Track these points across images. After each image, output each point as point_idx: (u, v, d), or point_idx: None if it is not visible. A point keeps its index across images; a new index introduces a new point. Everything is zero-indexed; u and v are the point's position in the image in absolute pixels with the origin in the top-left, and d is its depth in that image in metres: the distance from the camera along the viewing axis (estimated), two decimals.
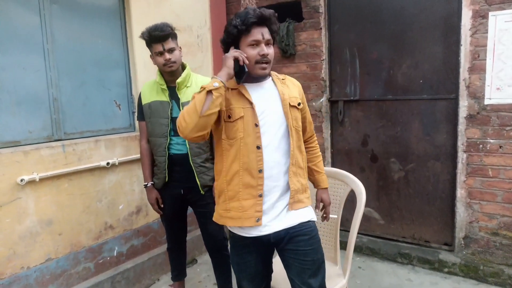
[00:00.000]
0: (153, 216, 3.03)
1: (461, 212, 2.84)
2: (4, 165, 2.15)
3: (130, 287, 2.83)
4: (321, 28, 3.24)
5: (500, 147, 2.66)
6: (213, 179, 2.26)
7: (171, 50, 2.16)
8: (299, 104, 1.63)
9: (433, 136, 2.94)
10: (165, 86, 2.24)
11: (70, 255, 2.50)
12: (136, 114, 2.59)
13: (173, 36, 2.19)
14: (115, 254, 2.79)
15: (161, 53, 2.15)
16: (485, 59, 2.61)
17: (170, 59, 2.15)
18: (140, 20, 2.87)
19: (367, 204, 3.30)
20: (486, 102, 2.65)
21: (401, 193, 3.15)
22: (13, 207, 2.20)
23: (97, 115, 2.71)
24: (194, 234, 3.37)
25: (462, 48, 2.69)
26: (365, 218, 3.32)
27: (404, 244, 3.17)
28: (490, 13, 2.55)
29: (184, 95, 2.22)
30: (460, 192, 2.83)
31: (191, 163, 2.23)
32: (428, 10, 2.84)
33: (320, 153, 1.85)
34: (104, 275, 2.70)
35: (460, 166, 2.80)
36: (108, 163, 2.64)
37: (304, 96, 1.72)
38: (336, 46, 3.27)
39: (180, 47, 2.26)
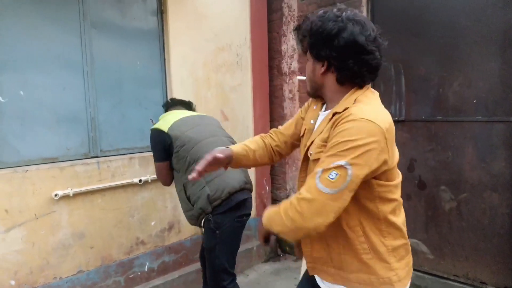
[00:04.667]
0: (186, 233, 3.05)
1: None
2: (41, 180, 2.30)
3: None
4: None
5: None
6: (191, 218, 2.21)
7: None
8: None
9: (490, 163, 2.59)
10: None
11: (100, 268, 2.59)
12: None
13: None
14: (145, 270, 2.83)
15: None
16: None
17: None
18: (179, 40, 2.95)
19: (414, 236, 3.00)
20: None
21: (453, 225, 2.80)
22: (47, 219, 2.33)
23: (133, 133, 2.81)
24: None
25: None
26: (412, 251, 2.99)
27: (456, 284, 2.80)
28: None
29: None
30: None
31: None
32: (482, 22, 2.53)
33: (283, 205, 1.16)
34: None
35: None
36: (140, 180, 2.71)
37: (339, 141, 1.09)
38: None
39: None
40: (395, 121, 2.93)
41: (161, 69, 2.94)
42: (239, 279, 3.30)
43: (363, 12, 3.03)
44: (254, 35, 3.50)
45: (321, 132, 1.21)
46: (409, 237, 3.18)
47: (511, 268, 2.56)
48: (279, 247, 3.87)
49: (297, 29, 1.29)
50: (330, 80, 1.22)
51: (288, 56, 3.57)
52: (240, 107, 3.46)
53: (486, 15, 2.51)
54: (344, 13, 1.16)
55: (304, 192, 1.09)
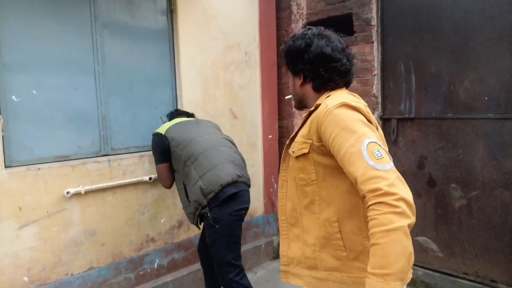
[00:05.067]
0: (195, 231, 3.06)
1: None
2: (53, 178, 2.33)
3: None
4: (373, 42, 3.04)
5: None
6: (189, 215, 2.34)
7: None
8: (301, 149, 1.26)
9: (501, 161, 2.57)
10: None
11: (111, 265, 2.62)
12: None
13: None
14: (155, 267, 2.86)
15: None
16: None
17: None
18: (188, 40, 2.97)
19: (423, 233, 2.99)
20: None
21: (463, 223, 2.79)
22: (59, 217, 2.37)
23: (143, 132, 2.83)
24: (247, 247, 3.40)
25: None
26: (422, 248, 3.00)
27: (466, 282, 2.78)
28: None
29: None
30: None
31: None
32: (495, 19, 2.51)
33: (378, 231, 0.96)
34: (144, 286, 2.78)
35: None
36: (150, 178, 2.74)
37: (336, 131, 1.10)
38: (390, 60, 3.04)
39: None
40: (405, 119, 2.97)
41: (170, 68, 2.96)
42: (249, 276, 3.32)
43: (373, 10, 3.02)
44: (263, 33, 3.51)
45: (300, 130, 1.30)
46: (418, 234, 3.16)
47: None
48: None
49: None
50: (308, 90, 1.35)
51: None
52: (249, 105, 3.47)
53: (499, 12, 2.49)
54: (310, 31, 1.32)
55: (378, 185, 0.97)
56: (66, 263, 2.41)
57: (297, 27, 3.53)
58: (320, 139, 1.17)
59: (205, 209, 2.20)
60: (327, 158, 1.17)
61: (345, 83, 1.33)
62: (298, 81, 1.36)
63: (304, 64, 1.30)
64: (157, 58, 2.89)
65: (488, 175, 2.64)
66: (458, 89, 2.71)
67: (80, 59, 2.50)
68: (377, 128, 1.19)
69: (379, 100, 3.10)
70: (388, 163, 1.01)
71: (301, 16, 3.49)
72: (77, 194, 2.41)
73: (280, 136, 3.79)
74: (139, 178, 2.71)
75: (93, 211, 2.51)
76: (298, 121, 3.67)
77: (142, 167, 2.75)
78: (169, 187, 2.50)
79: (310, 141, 1.21)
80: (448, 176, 2.82)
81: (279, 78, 3.72)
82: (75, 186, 2.41)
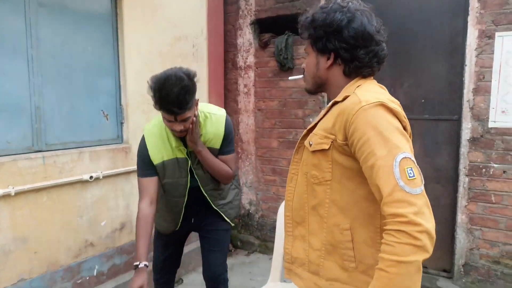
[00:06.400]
0: None
1: (461, 238, 2.72)
2: None
3: None
4: None
5: (504, 172, 2.55)
6: (223, 201, 2.07)
7: (185, 120, 1.73)
8: (321, 144, 1.10)
9: (434, 158, 2.83)
10: (182, 146, 1.88)
11: (46, 275, 2.32)
12: (137, 161, 1.94)
13: (192, 106, 1.73)
14: (95, 274, 2.61)
15: (170, 121, 1.74)
16: (491, 81, 2.52)
17: (181, 129, 1.75)
18: (134, 27, 2.75)
19: None
20: (491, 125, 2.55)
21: None
22: None
23: (82, 126, 2.56)
24: (190, 247, 3.26)
25: (467, 69, 2.60)
26: None
27: None
28: (497, 34, 2.47)
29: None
30: (461, 218, 2.72)
31: (202, 191, 1.96)
32: (432, 28, 2.75)
33: (389, 259, 0.90)
34: None
35: (462, 190, 2.69)
36: (91, 177, 2.49)
37: (369, 132, 0.97)
38: None
39: (197, 99, 1.84)
40: None
41: (113, 56, 2.71)
42: (193, 277, 3.24)
43: None
44: (211, 26, 3.40)
45: (320, 121, 1.15)
46: None
47: (449, 253, 2.84)
48: (230, 243, 3.83)
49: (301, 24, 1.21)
50: (336, 73, 1.16)
51: (244, 50, 3.53)
52: None
53: (435, 21, 2.74)
54: (350, 4, 1.13)
55: (403, 210, 0.89)
56: None
57: (245, 22, 3.49)
58: (345, 137, 1.03)
59: None
60: (349, 159, 1.04)
61: (379, 70, 1.18)
62: (326, 62, 1.15)
63: (341, 42, 1.10)
64: (99, 44, 2.63)
65: (423, 171, 2.83)
66: (398, 92, 2.93)
67: (11, 40, 2.16)
68: (410, 136, 1.08)
69: (325, 99, 3.21)
70: (419, 186, 0.92)
71: (249, 12, 3.46)
72: (6, 196, 2.09)
73: None
74: (78, 177, 2.44)
75: (24, 215, 2.20)
76: (244, 118, 3.64)
77: (82, 164, 2.48)
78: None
79: (333, 136, 1.06)
80: None
81: (225, 73, 3.65)
82: (3, 187, 2.08)
